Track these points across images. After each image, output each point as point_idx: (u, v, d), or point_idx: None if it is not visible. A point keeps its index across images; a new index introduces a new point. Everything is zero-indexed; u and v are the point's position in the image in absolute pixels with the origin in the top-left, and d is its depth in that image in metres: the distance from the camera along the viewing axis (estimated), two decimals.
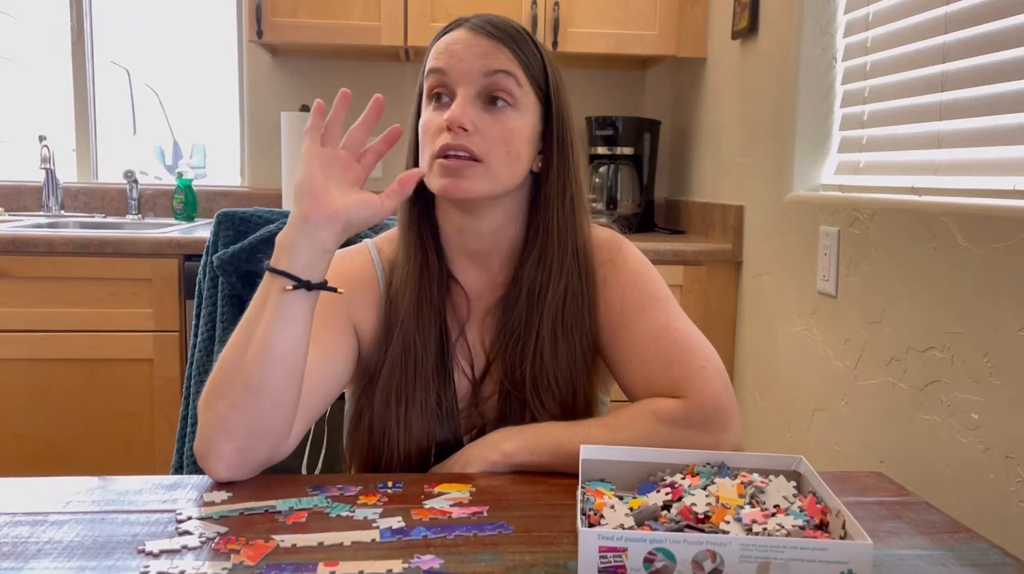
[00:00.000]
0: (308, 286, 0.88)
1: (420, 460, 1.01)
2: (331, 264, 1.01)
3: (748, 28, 2.14)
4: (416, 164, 1.02)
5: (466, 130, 0.94)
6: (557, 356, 1.00)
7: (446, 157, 0.95)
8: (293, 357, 0.88)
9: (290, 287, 0.87)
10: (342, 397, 1.11)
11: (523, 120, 0.99)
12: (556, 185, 1.01)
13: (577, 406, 1.03)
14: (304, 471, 1.24)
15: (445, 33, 1.00)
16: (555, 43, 2.50)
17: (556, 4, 2.48)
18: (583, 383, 1.03)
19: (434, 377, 1.01)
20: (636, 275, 1.04)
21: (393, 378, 1.00)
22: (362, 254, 1.07)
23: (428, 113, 0.99)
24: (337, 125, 0.91)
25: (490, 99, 0.97)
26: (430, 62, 0.99)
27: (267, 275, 0.89)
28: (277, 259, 0.88)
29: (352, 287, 1.03)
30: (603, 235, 1.08)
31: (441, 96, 0.98)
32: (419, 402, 1.00)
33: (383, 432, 1.00)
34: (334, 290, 0.91)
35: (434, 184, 0.97)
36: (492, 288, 1.06)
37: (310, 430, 1.21)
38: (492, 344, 1.05)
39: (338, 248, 0.91)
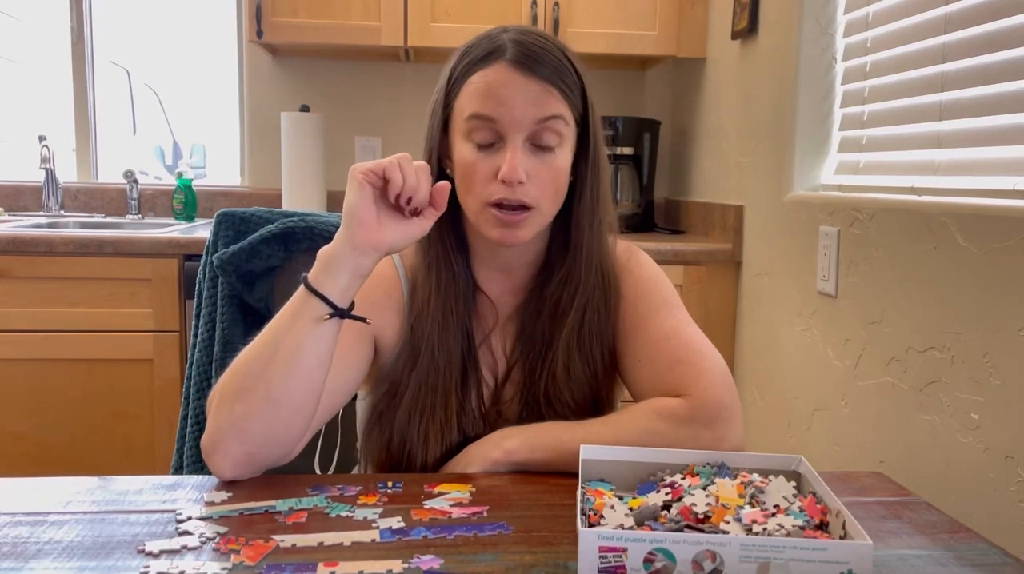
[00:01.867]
0: (342, 315, 0.89)
1: (436, 468, 1.01)
2: None
3: (748, 28, 2.14)
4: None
5: (522, 183, 0.94)
6: (571, 372, 1.02)
7: (499, 206, 0.95)
8: (318, 373, 0.89)
9: (327, 316, 0.88)
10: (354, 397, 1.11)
11: (566, 155, 0.98)
12: (587, 206, 1.01)
13: (599, 413, 1.04)
14: (317, 470, 1.24)
15: (481, 61, 0.96)
16: None
17: (556, 4, 2.48)
18: (603, 393, 1.05)
19: (458, 389, 1.02)
20: (649, 281, 1.06)
21: (418, 398, 1.01)
22: (385, 262, 1.07)
23: (472, 154, 0.96)
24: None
25: (540, 142, 0.96)
26: (475, 105, 0.95)
27: (303, 291, 0.89)
28: (316, 278, 0.89)
29: (376, 295, 1.03)
30: (620, 246, 1.10)
31: (487, 137, 0.95)
32: (439, 417, 1.00)
33: (403, 444, 1.01)
34: (363, 320, 0.92)
35: (489, 234, 0.97)
36: (513, 293, 1.07)
37: (322, 429, 1.21)
38: (512, 350, 1.06)
39: None
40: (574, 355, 1.02)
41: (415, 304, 1.03)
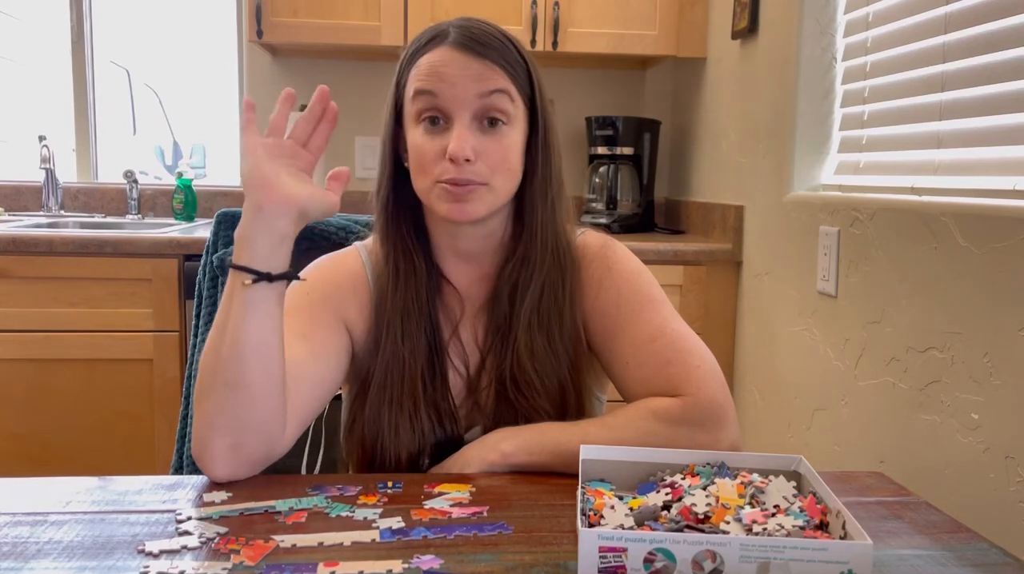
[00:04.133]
0: (269, 278, 0.87)
1: (412, 464, 1.01)
2: (321, 267, 1.03)
3: (748, 28, 2.15)
4: (392, 179, 1.02)
5: (469, 160, 0.94)
6: (534, 352, 1.01)
7: (449, 182, 0.95)
8: (266, 349, 0.87)
9: (249, 282, 0.86)
10: (339, 397, 1.11)
11: (516, 133, 0.99)
12: (539, 186, 1.02)
13: (567, 403, 1.03)
14: (304, 471, 1.24)
15: (425, 47, 0.98)
16: (555, 43, 2.50)
17: (556, 4, 2.48)
18: (570, 378, 1.03)
19: (426, 381, 1.02)
20: (630, 277, 1.05)
21: (384, 389, 1.01)
22: (352, 256, 1.07)
23: (421, 136, 0.97)
24: (283, 118, 0.90)
25: (486, 120, 0.96)
26: (417, 83, 0.97)
27: (231, 272, 0.88)
28: (238, 254, 0.87)
29: (343, 289, 1.03)
30: (596, 240, 1.09)
31: (435, 119, 0.96)
32: (407, 409, 1.00)
33: (375, 438, 1.01)
34: (297, 277, 0.90)
35: (439, 209, 0.97)
36: (482, 283, 1.06)
37: (309, 429, 1.21)
38: (484, 339, 1.05)
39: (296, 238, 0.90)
40: (535, 334, 1.01)
41: (377, 296, 1.03)
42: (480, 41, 0.96)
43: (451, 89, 0.95)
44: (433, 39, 0.98)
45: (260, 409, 0.88)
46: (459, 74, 0.95)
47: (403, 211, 1.03)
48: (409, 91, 0.98)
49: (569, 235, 1.06)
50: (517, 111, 0.98)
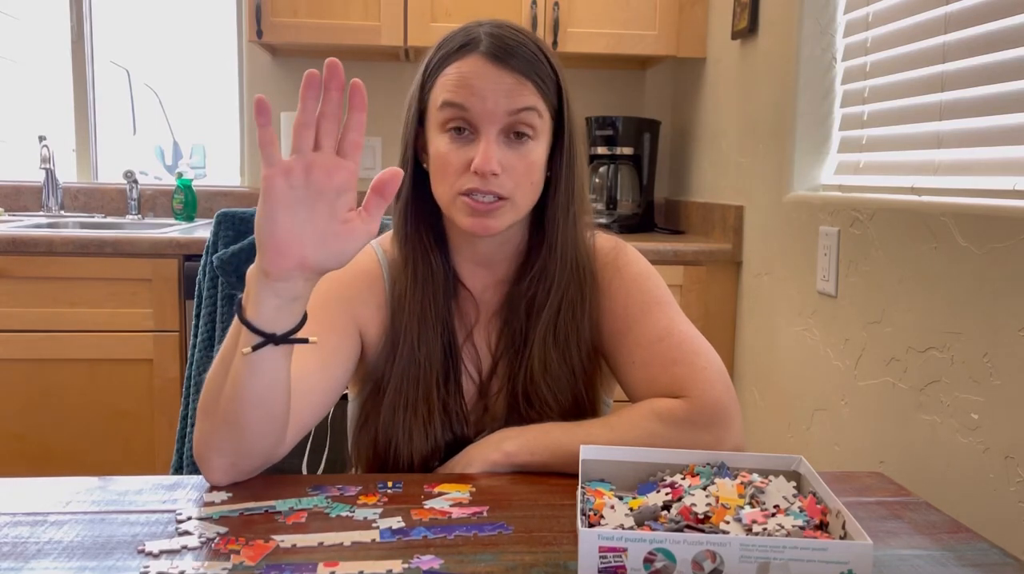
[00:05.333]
0: (275, 341, 0.80)
1: (425, 467, 1.01)
2: None
3: (748, 28, 2.14)
4: (413, 183, 1.01)
5: (495, 174, 0.94)
6: (548, 368, 1.01)
7: (471, 195, 0.95)
8: (269, 400, 0.84)
9: (248, 350, 0.79)
10: (344, 396, 1.11)
11: (541, 147, 0.98)
12: (562, 201, 1.01)
13: (581, 412, 1.03)
14: (305, 471, 1.24)
15: (456, 54, 0.96)
16: (555, 43, 2.49)
17: (556, 4, 2.48)
18: (583, 390, 1.03)
19: (440, 386, 1.01)
20: (638, 279, 1.05)
21: (399, 393, 1.00)
22: (367, 255, 1.07)
23: (446, 145, 0.96)
24: (308, 125, 0.73)
25: (513, 134, 0.96)
26: (447, 94, 0.95)
27: (236, 317, 0.81)
28: (245, 301, 0.80)
29: (358, 290, 1.03)
30: (607, 242, 1.09)
31: (461, 129, 0.95)
32: (422, 414, 1.00)
33: (388, 442, 1.00)
34: (304, 341, 0.81)
35: (461, 222, 0.97)
36: (497, 288, 1.06)
37: (311, 430, 1.21)
38: (497, 345, 1.05)
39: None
40: (550, 351, 1.01)
41: (394, 299, 1.03)
42: (512, 53, 0.95)
43: (481, 103, 0.94)
44: (464, 46, 0.96)
45: (258, 441, 0.87)
46: (490, 87, 0.94)
47: (423, 214, 1.02)
48: (436, 99, 0.96)
49: (589, 248, 1.05)
50: (543, 124, 0.98)
